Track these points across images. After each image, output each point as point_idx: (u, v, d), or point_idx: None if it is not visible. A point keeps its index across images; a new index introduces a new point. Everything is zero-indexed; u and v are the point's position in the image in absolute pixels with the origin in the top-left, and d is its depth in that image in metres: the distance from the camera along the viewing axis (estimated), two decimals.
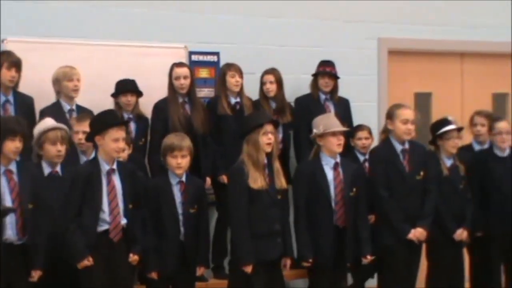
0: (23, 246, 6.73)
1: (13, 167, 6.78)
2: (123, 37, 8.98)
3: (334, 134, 7.52)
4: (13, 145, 6.66)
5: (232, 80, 8.88)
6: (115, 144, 6.84)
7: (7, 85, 7.95)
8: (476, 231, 8.56)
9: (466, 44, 11.10)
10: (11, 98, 8.02)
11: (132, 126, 8.46)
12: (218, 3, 9.58)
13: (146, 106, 8.66)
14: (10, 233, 6.65)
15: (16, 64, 7.97)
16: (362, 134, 9.02)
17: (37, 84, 8.28)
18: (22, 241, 6.72)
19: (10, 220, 6.62)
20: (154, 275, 7.17)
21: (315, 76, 9.37)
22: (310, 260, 7.40)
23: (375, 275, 8.92)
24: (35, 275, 6.77)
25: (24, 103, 8.10)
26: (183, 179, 7.31)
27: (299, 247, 7.46)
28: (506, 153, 8.75)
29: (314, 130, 7.60)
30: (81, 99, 8.31)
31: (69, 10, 8.82)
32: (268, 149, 7.22)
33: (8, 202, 6.63)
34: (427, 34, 10.79)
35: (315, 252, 7.45)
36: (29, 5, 8.61)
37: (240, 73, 8.93)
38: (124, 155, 7.31)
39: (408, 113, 7.92)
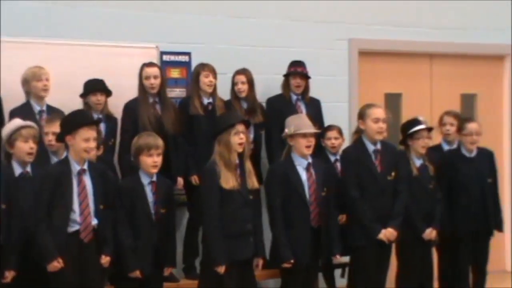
0: None
1: None
2: (93, 37, 8.93)
3: (304, 135, 7.49)
4: None
5: (205, 80, 8.82)
6: (86, 144, 6.76)
7: None
8: (444, 231, 8.54)
9: (435, 45, 11.17)
10: None
11: (102, 126, 8.31)
12: (190, 3, 9.58)
13: (117, 106, 8.60)
14: None
15: None
16: (331, 134, 9.01)
17: (6, 84, 8.17)
18: None
19: None
20: (137, 273, 7.09)
21: (287, 76, 9.36)
22: (292, 261, 7.35)
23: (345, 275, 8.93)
24: (9, 275, 6.70)
25: None
26: (154, 179, 7.25)
27: (278, 248, 7.40)
28: (473, 153, 8.83)
29: (286, 130, 7.57)
30: (50, 99, 8.22)
31: (39, 10, 8.80)
32: (240, 149, 7.18)
33: None
34: (397, 35, 10.85)
35: (295, 253, 7.39)
36: None
37: (214, 73, 8.89)
38: (92, 157, 7.19)
39: (379, 112, 7.91)
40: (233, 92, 9.12)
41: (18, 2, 8.68)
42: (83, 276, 6.79)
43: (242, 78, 9.07)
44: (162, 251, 7.27)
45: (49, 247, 6.65)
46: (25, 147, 7.05)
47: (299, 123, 7.58)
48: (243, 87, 9.05)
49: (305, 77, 9.36)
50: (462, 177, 8.71)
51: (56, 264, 6.64)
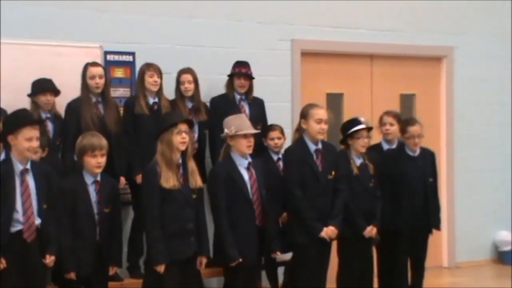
0: None
1: None
2: (36, 36, 8.82)
3: (245, 135, 7.46)
4: None
5: (150, 80, 8.78)
6: (29, 143, 6.70)
7: None
8: (385, 228, 8.54)
9: (375, 46, 11.24)
10: None
11: (50, 126, 8.33)
12: (134, 3, 9.53)
13: (59, 105, 8.50)
14: None
15: None
16: (274, 134, 9.00)
17: None
18: None
19: None
20: (72, 275, 7.03)
21: (231, 76, 9.33)
22: (240, 260, 7.31)
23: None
24: None
25: None
26: (98, 178, 7.19)
27: (225, 248, 7.34)
28: (417, 153, 8.90)
29: (226, 131, 7.53)
30: None
31: None
32: (182, 148, 7.14)
33: None
34: (339, 36, 10.91)
35: (241, 252, 7.35)
36: None
37: (159, 73, 8.85)
38: (36, 157, 7.11)
39: (322, 113, 7.90)
40: (178, 91, 9.09)
41: None
42: (26, 276, 6.72)
43: (188, 77, 9.05)
44: (106, 250, 7.20)
45: None
46: None
47: (239, 123, 7.55)
48: (189, 86, 9.03)
49: (249, 77, 9.34)
50: (405, 175, 8.74)
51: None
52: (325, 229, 7.78)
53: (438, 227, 9.13)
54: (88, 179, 7.14)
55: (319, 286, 7.99)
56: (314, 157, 7.84)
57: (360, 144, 8.33)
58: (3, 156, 7.00)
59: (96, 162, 7.08)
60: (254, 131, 7.63)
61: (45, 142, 7.59)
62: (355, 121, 8.44)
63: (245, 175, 7.47)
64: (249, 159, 7.51)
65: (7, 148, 6.85)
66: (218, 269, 7.81)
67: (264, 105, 9.54)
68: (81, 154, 7.14)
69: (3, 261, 6.56)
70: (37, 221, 6.75)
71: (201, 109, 9.13)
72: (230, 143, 7.51)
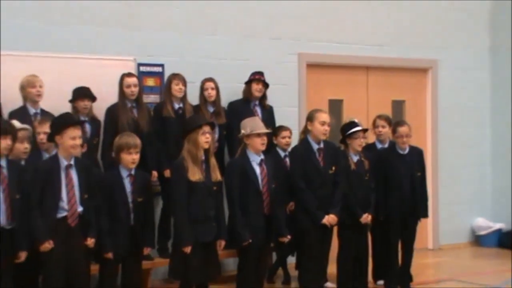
0: (11, 230, 6.60)
1: (3, 162, 6.62)
2: (80, 50, 8.85)
3: (259, 135, 7.42)
4: (5, 143, 6.57)
5: (176, 88, 8.80)
6: (73, 142, 6.71)
7: None
8: (378, 215, 8.55)
9: (371, 59, 11.21)
10: None
11: (88, 127, 8.32)
12: (163, 23, 9.53)
13: (99, 110, 8.53)
14: (1, 219, 6.54)
15: None
16: (285, 133, 9.06)
17: (6, 91, 8.09)
18: (11, 226, 6.60)
19: (0, 208, 6.52)
20: (110, 255, 7.04)
21: (249, 83, 9.34)
22: (250, 241, 7.28)
23: (295, 253, 8.99)
24: (22, 256, 6.66)
25: None
26: (132, 172, 7.17)
27: (238, 230, 7.31)
28: (406, 151, 8.85)
29: (242, 131, 7.50)
30: (44, 104, 8.13)
31: (32, 27, 8.71)
32: (206, 146, 7.10)
33: None
34: (339, 50, 10.89)
35: (252, 235, 7.32)
36: None
37: (184, 82, 8.86)
38: (78, 153, 7.07)
39: (325, 116, 7.88)
40: (202, 97, 9.10)
41: (17, 21, 8.59)
42: (70, 255, 6.71)
43: (211, 84, 9.06)
44: (140, 234, 7.20)
45: (41, 230, 6.61)
46: (21, 147, 7.09)
47: (254, 124, 7.51)
48: (212, 93, 9.03)
49: (265, 84, 9.35)
50: (395, 170, 8.71)
51: (47, 245, 6.60)
52: (326, 216, 7.76)
53: (426, 216, 9.12)
54: (124, 173, 7.14)
55: (321, 265, 7.97)
56: (317, 154, 7.81)
57: (357, 144, 8.33)
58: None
59: (131, 158, 7.09)
60: (266, 130, 7.59)
61: (84, 141, 7.53)
62: (352, 124, 8.42)
63: (257, 170, 7.42)
64: (262, 156, 7.47)
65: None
66: (233, 251, 7.79)
67: (273, 111, 9.53)
68: (118, 151, 7.15)
69: (51, 242, 6.58)
70: (79, 208, 6.75)
71: (221, 113, 9.13)
72: (246, 142, 7.47)
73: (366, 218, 8.36)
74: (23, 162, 7.13)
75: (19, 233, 6.63)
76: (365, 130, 8.51)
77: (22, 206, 6.64)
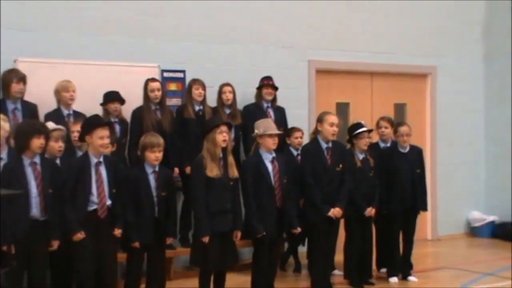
0: (45, 221, 6.63)
1: (37, 159, 6.66)
2: (109, 58, 8.85)
3: (271, 135, 7.41)
4: (39, 142, 6.59)
5: (196, 92, 8.83)
6: (101, 141, 6.75)
7: (15, 95, 7.89)
8: (382, 209, 8.54)
9: (375, 66, 11.19)
10: (19, 106, 7.92)
11: (117, 127, 8.35)
12: (184, 32, 9.54)
13: (127, 112, 8.56)
14: (35, 211, 6.57)
15: (23, 78, 7.93)
16: (298, 134, 9.08)
17: (42, 94, 8.13)
18: (44, 217, 6.62)
19: (34, 202, 6.55)
20: (136, 244, 7.05)
21: (260, 88, 9.33)
22: (263, 233, 7.27)
23: (305, 243, 8.93)
24: (54, 244, 6.70)
25: (29, 109, 7.97)
26: (156, 169, 7.17)
27: (252, 223, 7.30)
28: (407, 149, 8.85)
29: (256, 131, 7.49)
30: (77, 107, 8.17)
31: (66, 37, 8.75)
32: (223, 145, 7.11)
33: (33, 187, 6.54)
34: (346, 57, 10.87)
35: (264, 227, 7.31)
36: (34, 33, 8.56)
37: (203, 86, 8.89)
38: (107, 152, 7.13)
39: (333, 118, 7.85)
40: (220, 100, 9.11)
41: (52, 32, 8.64)
42: (100, 245, 6.75)
43: (229, 88, 9.10)
44: (163, 225, 7.19)
45: (73, 222, 6.66)
46: (56, 146, 7.15)
47: (266, 125, 7.50)
48: (229, 96, 9.07)
49: (274, 88, 9.34)
50: (397, 168, 8.70)
51: (79, 235, 6.65)
52: (332, 209, 7.72)
53: (425, 209, 9.11)
54: (148, 169, 7.14)
55: (329, 255, 7.95)
56: (325, 153, 7.77)
57: (363, 143, 8.32)
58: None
59: (155, 156, 7.10)
60: (278, 131, 7.58)
61: (114, 140, 7.61)
62: (358, 125, 8.41)
63: (269, 167, 7.40)
64: (273, 154, 7.45)
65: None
66: (249, 241, 7.77)
67: (285, 112, 9.52)
68: (143, 150, 7.15)
69: (83, 232, 6.63)
70: (108, 202, 6.78)
71: (237, 115, 9.12)
72: (259, 141, 7.46)
73: (370, 211, 8.34)
74: (58, 160, 7.15)
75: (51, 224, 6.65)
76: (370, 131, 8.50)
77: (54, 199, 6.66)
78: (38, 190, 6.57)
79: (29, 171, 6.58)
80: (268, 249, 7.42)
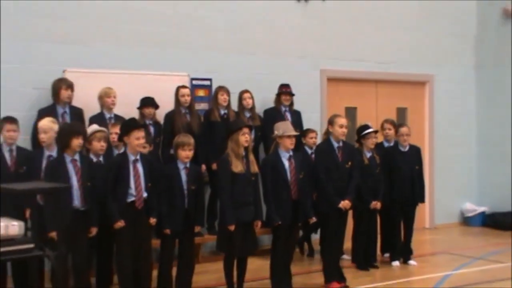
0: (85, 211, 6.68)
1: (76, 157, 6.67)
2: (145, 68, 8.86)
3: (289, 136, 7.33)
4: (78, 142, 6.61)
5: (221, 98, 8.82)
6: (138, 141, 6.75)
7: (64, 101, 7.95)
8: (385, 201, 8.47)
9: (379, 74, 11.13)
10: (67, 110, 7.98)
11: (152, 129, 8.34)
12: (211, 44, 9.52)
13: (160, 115, 8.55)
14: (76, 202, 6.63)
15: (71, 86, 7.99)
16: (312, 135, 9.05)
17: (87, 100, 8.16)
18: (84, 208, 6.67)
19: (76, 194, 6.61)
20: (168, 231, 7.04)
21: (279, 94, 9.31)
22: (280, 222, 7.21)
23: (318, 231, 8.87)
24: (93, 231, 6.75)
25: (76, 113, 8.01)
26: (187, 165, 7.14)
27: (269, 214, 7.24)
28: (406, 148, 8.84)
29: (275, 132, 7.41)
30: (117, 110, 8.19)
31: (107, 50, 8.77)
32: (246, 145, 7.06)
33: (74, 181, 6.58)
34: (354, 67, 10.82)
35: (281, 217, 7.23)
36: (80, 46, 8.60)
37: (228, 92, 8.88)
38: (145, 151, 7.13)
39: (343, 121, 7.74)
40: (241, 105, 9.08)
41: (95, 46, 8.66)
42: (137, 232, 6.76)
43: (248, 95, 9.08)
44: (193, 215, 7.15)
45: (114, 212, 6.68)
46: (98, 145, 7.14)
47: (285, 127, 7.41)
48: (249, 101, 9.06)
49: (291, 94, 9.31)
50: (398, 164, 8.66)
51: (119, 224, 6.68)
52: (341, 201, 7.61)
53: (423, 201, 9.08)
54: (180, 166, 7.10)
55: (338, 242, 7.87)
56: (336, 152, 7.68)
57: (370, 143, 8.33)
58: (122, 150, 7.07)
59: (186, 154, 7.07)
60: (296, 133, 7.51)
61: (150, 140, 7.62)
62: (366, 127, 8.42)
63: (286, 164, 7.30)
64: (291, 153, 7.36)
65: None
66: (268, 229, 7.69)
67: (301, 115, 9.48)
68: (176, 148, 7.12)
69: (122, 221, 6.65)
70: (144, 194, 6.78)
71: (256, 117, 9.10)
72: (279, 141, 7.38)
73: (375, 204, 8.33)
74: (101, 158, 7.16)
75: (90, 213, 6.69)
76: (376, 132, 8.48)
77: (92, 191, 6.68)
78: (79, 184, 6.61)
79: (70, 167, 6.61)
80: (284, 237, 7.35)
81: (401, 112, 11.44)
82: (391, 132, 9.02)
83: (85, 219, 6.67)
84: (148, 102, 8.32)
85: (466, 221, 12.01)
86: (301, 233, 9.02)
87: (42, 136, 6.95)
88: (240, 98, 9.06)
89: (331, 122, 7.78)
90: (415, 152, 8.93)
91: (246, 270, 7.25)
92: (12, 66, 8.12)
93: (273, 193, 7.25)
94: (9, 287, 7.33)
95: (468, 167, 12.18)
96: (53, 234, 6.30)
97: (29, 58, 8.23)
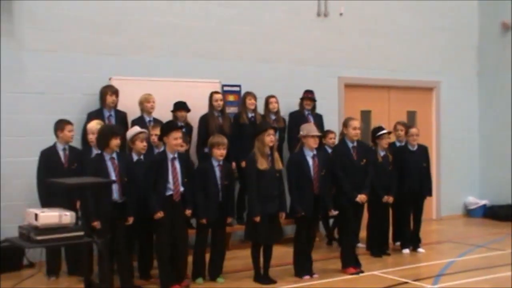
0: (123, 203, 6.67)
1: (115, 155, 6.68)
2: (180, 76, 8.84)
3: (313, 136, 7.30)
4: (116, 142, 6.61)
5: (249, 102, 8.81)
6: (176, 141, 6.75)
7: (110, 105, 7.98)
8: (396, 195, 8.41)
9: (391, 81, 11.06)
10: (113, 113, 8.01)
11: (184, 130, 8.25)
12: (240, 54, 9.50)
13: (193, 118, 8.52)
14: (115, 195, 6.63)
15: (116, 92, 8.01)
16: (332, 135, 9.02)
17: (130, 104, 8.16)
18: (122, 200, 6.66)
19: (115, 188, 6.63)
20: (203, 221, 7.05)
21: (302, 99, 9.29)
22: (303, 213, 7.20)
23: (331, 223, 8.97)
24: (130, 220, 6.74)
25: (120, 116, 8.05)
26: (221, 163, 7.14)
27: (293, 206, 7.23)
28: (415, 147, 8.79)
29: (301, 133, 7.38)
30: (156, 114, 8.18)
31: (147, 60, 8.77)
32: (271, 144, 7.05)
33: (112, 177, 6.59)
34: (368, 74, 10.75)
35: (303, 209, 7.22)
36: (124, 57, 8.61)
37: (255, 98, 8.87)
38: (182, 150, 7.12)
39: (356, 123, 7.68)
40: (267, 109, 9.04)
41: (137, 56, 8.67)
42: (175, 222, 6.76)
43: (274, 99, 9.04)
44: (225, 207, 7.16)
45: (154, 204, 6.68)
46: (141, 145, 7.12)
47: (309, 128, 7.38)
48: (275, 105, 9.02)
49: (313, 100, 9.28)
50: (407, 163, 8.59)
51: (159, 215, 6.67)
52: (358, 195, 7.56)
53: (430, 195, 9.00)
54: (215, 163, 7.11)
55: (355, 231, 7.87)
56: (351, 151, 7.62)
57: (384, 143, 8.30)
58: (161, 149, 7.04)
59: (220, 152, 7.07)
60: (319, 133, 7.47)
61: (187, 140, 7.58)
62: (380, 128, 8.40)
63: (310, 162, 7.27)
64: (314, 152, 7.33)
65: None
66: (292, 220, 7.63)
67: (322, 118, 9.45)
68: (211, 147, 7.13)
69: (162, 212, 6.65)
70: (181, 188, 6.78)
71: (280, 120, 9.07)
72: (303, 141, 7.34)
73: (387, 199, 8.28)
74: (142, 157, 7.14)
75: (127, 204, 6.70)
76: (389, 132, 8.45)
77: (128, 186, 6.68)
78: (117, 179, 6.61)
79: (109, 164, 6.61)
80: (306, 227, 7.34)
81: (411, 115, 11.34)
82: (402, 133, 8.93)
83: (123, 210, 6.68)
84: (180, 106, 8.29)
85: (469, 213, 11.89)
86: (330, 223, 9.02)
87: (91, 137, 7.06)
88: (267, 102, 9.01)
89: (345, 124, 7.74)
90: (423, 151, 8.86)
91: (272, 256, 7.23)
92: (65, 75, 8.19)
93: (297, 187, 7.22)
94: (63, 270, 7.43)
95: (471, 164, 12.05)
96: (96, 223, 6.35)
97: (80, 67, 8.27)
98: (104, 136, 6.64)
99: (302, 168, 7.23)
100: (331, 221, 9.24)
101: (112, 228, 6.48)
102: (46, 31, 8.07)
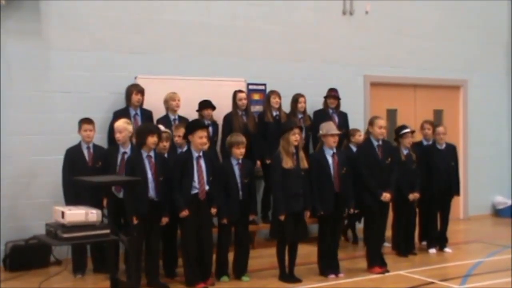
0: (158, 202, 6.74)
1: (151, 153, 6.75)
2: (205, 74, 8.86)
3: (332, 135, 7.29)
4: (153, 140, 6.69)
5: (274, 101, 8.79)
6: (201, 140, 6.78)
7: (136, 104, 8.01)
8: (423, 194, 8.36)
9: (417, 79, 10.98)
10: (138, 112, 8.04)
11: (210, 128, 8.27)
12: (265, 53, 9.49)
13: (218, 116, 8.54)
14: (152, 193, 6.70)
15: (141, 91, 8.05)
16: (359, 133, 8.89)
17: (155, 103, 8.19)
18: (158, 198, 6.73)
19: (151, 186, 6.68)
20: (225, 220, 7.07)
21: (326, 97, 9.27)
22: (322, 213, 7.20)
23: (361, 221, 8.82)
24: (164, 220, 6.81)
25: (146, 115, 8.06)
26: (240, 161, 7.16)
27: (315, 205, 7.21)
28: (443, 146, 8.71)
29: (320, 131, 7.40)
30: (181, 112, 8.23)
31: (172, 59, 8.79)
32: (296, 144, 7.05)
33: (149, 175, 6.65)
34: (394, 72, 10.69)
35: (324, 208, 7.22)
36: (149, 56, 8.63)
37: (279, 96, 8.84)
38: (205, 148, 7.12)
39: (382, 122, 7.65)
40: (295, 107, 9.01)
41: (162, 56, 8.70)
42: (200, 220, 6.80)
43: (303, 99, 9.02)
44: (247, 205, 7.17)
45: (180, 203, 6.72)
46: (161, 145, 7.08)
47: (328, 127, 7.37)
48: (304, 104, 9.00)
49: (337, 98, 9.25)
50: (435, 161, 8.55)
51: (185, 213, 6.73)
52: (384, 194, 7.52)
53: (458, 194, 8.94)
54: (234, 162, 7.12)
55: (381, 230, 7.80)
56: (376, 149, 7.59)
57: (407, 141, 8.22)
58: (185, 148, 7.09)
59: (239, 151, 7.09)
60: (338, 132, 7.44)
61: (210, 139, 7.62)
62: (403, 127, 8.34)
63: (330, 160, 7.26)
64: (334, 150, 7.31)
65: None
66: (315, 219, 7.58)
67: (347, 116, 9.41)
68: (230, 147, 7.15)
69: (187, 210, 6.69)
70: (207, 187, 6.81)
71: (307, 119, 9.05)
72: (323, 140, 7.34)
73: (413, 196, 8.22)
74: (165, 155, 7.17)
75: (163, 204, 6.74)
76: (412, 132, 8.36)
77: (164, 185, 6.72)
78: (153, 177, 6.66)
79: (146, 162, 6.67)
80: (329, 225, 7.33)
81: (438, 114, 11.24)
82: (430, 131, 8.87)
83: (159, 209, 6.73)
84: (206, 104, 8.31)
85: (497, 212, 11.78)
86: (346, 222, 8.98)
87: (118, 135, 7.07)
88: (296, 101, 8.99)
89: (371, 123, 7.70)
90: (451, 150, 8.80)
91: (297, 255, 7.24)
92: (91, 74, 8.26)
93: (317, 186, 7.21)
94: (88, 268, 7.52)
95: (499, 164, 11.92)
96: (133, 219, 6.33)
97: (106, 66, 8.33)
98: (141, 134, 6.71)
99: (322, 166, 7.22)
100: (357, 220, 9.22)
101: (147, 226, 6.59)
102: (73, 30, 8.16)
